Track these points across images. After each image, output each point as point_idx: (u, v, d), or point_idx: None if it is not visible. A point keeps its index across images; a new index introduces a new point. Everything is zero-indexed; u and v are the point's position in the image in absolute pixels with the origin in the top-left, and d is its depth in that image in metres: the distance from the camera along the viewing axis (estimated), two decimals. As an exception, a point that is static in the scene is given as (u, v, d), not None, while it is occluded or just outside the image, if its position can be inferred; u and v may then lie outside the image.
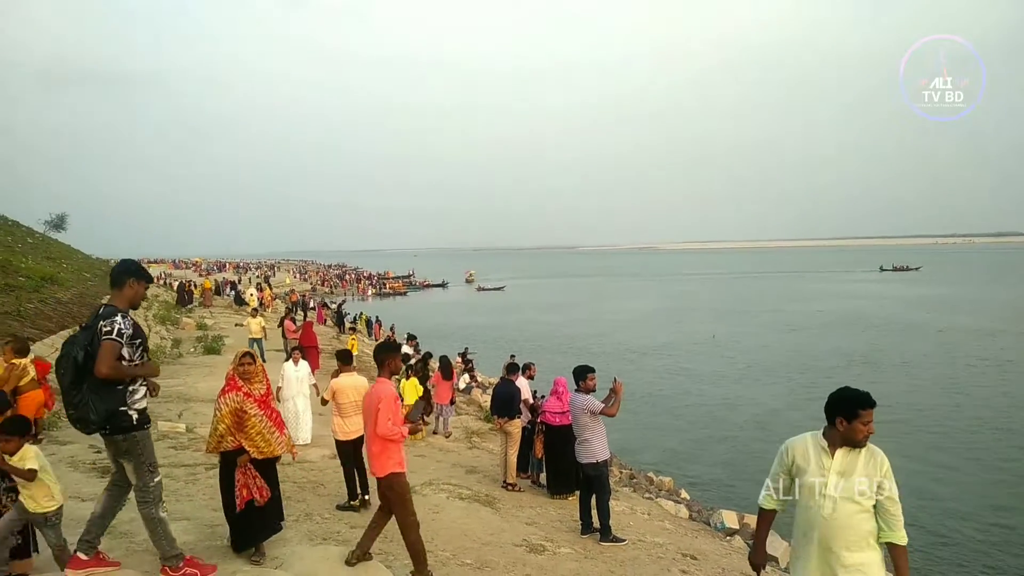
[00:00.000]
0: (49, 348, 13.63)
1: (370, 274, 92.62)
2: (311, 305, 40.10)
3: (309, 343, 17.79)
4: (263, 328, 19.82)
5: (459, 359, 23.95)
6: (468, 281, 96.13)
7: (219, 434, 5.09)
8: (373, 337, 34.47)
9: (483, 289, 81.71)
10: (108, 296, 4.28)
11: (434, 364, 14.33)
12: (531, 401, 10.62)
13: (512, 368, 11.00)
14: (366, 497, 7.50)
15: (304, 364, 10.95)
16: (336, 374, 8.12)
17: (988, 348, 31.46)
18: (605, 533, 7.71)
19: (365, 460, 7.83)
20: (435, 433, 13.41)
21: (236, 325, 20.60)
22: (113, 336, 3.93)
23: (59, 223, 52.16)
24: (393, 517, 5.21)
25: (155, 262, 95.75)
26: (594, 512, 7.87)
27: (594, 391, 7.92)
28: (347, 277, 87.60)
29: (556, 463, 9.63)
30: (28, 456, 4.29)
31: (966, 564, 11.06)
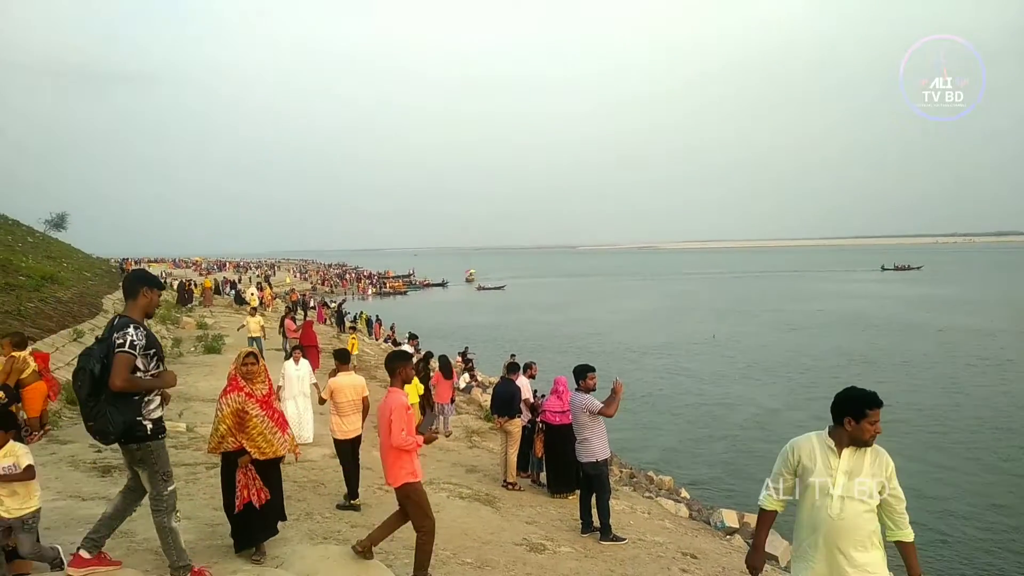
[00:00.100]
0: (50, 347, 13.64)
1: (370, 273, 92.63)
2: (311, 304, 40.10)
3: (309, 342, 17.79)
4: (262, 327, 19.82)
5: (459, 358, 23.96)
6: (468, 280, 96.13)
7: (220, 434, 5.09)
8: (373, 336, 34.47)
9: (483, 288, 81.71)
10: (114, 302, 4.29)
11: (434, 364, 14.34)
12: (531, 400, 10.62)
13: (513, 367, 10.99)
14: (353, 500, 7.50)
15: (305, 363, 10.94)
16: (334, 373, 8.12)
17: (988, 347, 31.45)
18: (605, 532, 7.71)
19: (362, 461, 7.87)
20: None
21: (239, 329, 20.52)
22: (126, 349, 3.94)
23: (59, 222, 52.15)
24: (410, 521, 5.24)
25: (155, 261, 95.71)
26: (594, 511, 7.87)
27: (594, 390, 7.91)
28: (347, 276, 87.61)
29: (556, 462, 9.64)
30: (18, 452, 4.27)
31: (965, 563, 11.06)
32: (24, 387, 5.81)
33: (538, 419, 10.04)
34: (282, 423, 5.41)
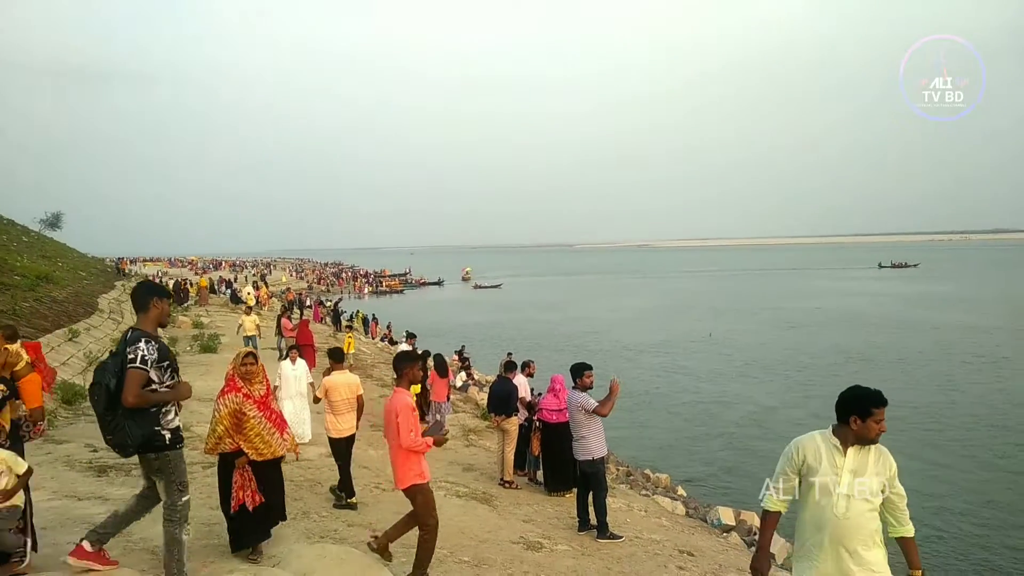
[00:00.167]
0: (45, 347, 13.59)
1: (367, 272, 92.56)
2: (307, 303, 40.07)
3: (305, 341, 17.76)
4: (257, 326, 19.79)
5: (456, 357, 23.95)
6: (464, 279, 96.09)
7: (218, 435, 5.07)
8: (369, 335, 34.45)
9: (480, 287, 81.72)
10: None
11: (430, 362, 14.32)
12: (528, 399, 10.62)
13: (510, 366, 10.99)
14: (350, 499, 7.52)
15: (301, 363, 10.93)
16: (328, 372, 8.13)
17: (984, 344, 31.55)
18: (602, 530, 7.72)
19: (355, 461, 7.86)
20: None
21: (238, 330, 20.40)
22: (137, 364, 3.94)
23: (54, 222, 51.99)
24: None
25: (151, 260, 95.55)
26: (591, 509, 7.88)
27: (591, 388, 7.92)
28: (343, 275, 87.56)
29: (553, 460, 9.65)
30: (8, 463, 4.21)
31: (960, 559, 11.09)
32: (19, 380, 5.79)
33: (535, 417, 10.04)
34: (280, 423, 5.39)
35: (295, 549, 5.37)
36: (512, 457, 10.08)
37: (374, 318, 37.73)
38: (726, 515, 10.64)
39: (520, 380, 10.66)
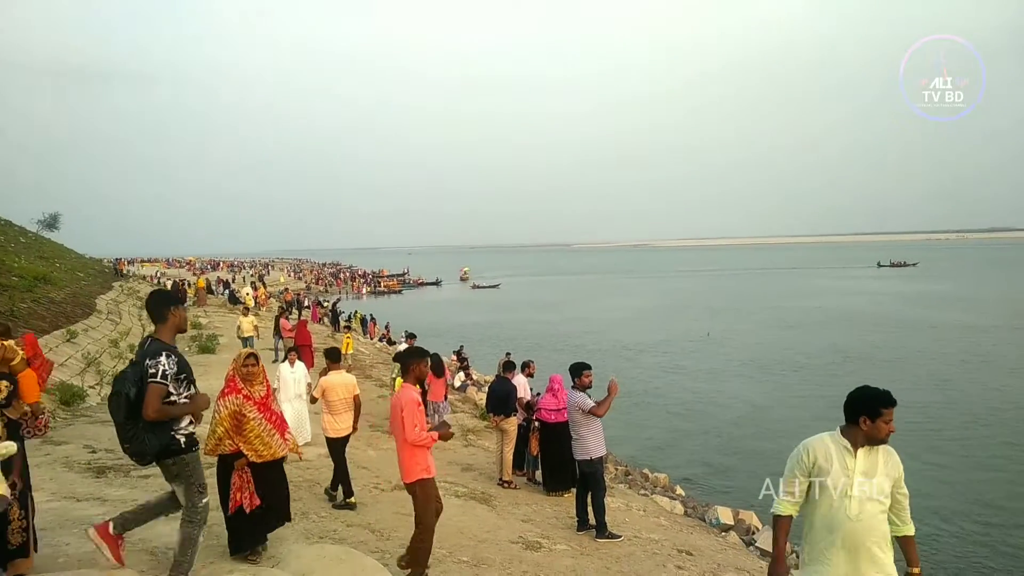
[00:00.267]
0: (43, 348, 13.59)
1: (365, 272, 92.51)
2: (306, 304, 40.07)
3: (303, 341, 17.78)
4: (255, 327, 19.79)
5: (455, 357, 23.96)
6: (463, 279, 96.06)
7: (217, 436, 5.07)
8: (368, 336, 34.44)
9: (478, 287, 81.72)
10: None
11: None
12: (527, 399, 10.63)
13: (509, 366, 11.00)
14: (349, 499, 7.54)
15: (300, 365, 10.95)
16: (324, 372, 8.14)
17: (982, 344, 31.63)
18: (601, 529, 7.73)
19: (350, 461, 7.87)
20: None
21: (238, 333, 20.30)
22: (158, 379, 3.99)
23: (52, 222, 51.94)
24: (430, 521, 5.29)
25: (148, 261, 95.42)
26: (590, 509, 7.89)
27: (590, 388, 7.93)
28: (342, 275, 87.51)
29: (551, 460, 9.65)
30: None
31: (958, 557, 11.11)
32: (16, 375, 5.77)
33: (533, 417, 10.05)
34: (281, 425, 5.39)
35: (294, 549, 5.37)
36: (511, 457, 10.09)
37: (372, 318, 37.72)
38: (724, 514, 10.67)
39: (520, 380, 10.67)
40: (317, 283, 76.28)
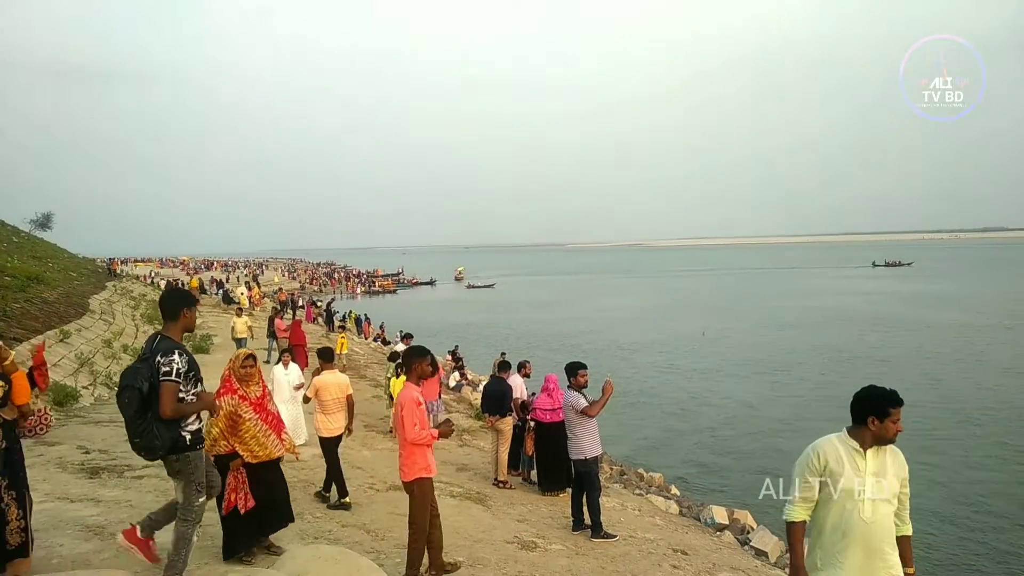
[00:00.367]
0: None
1: (359, 272, 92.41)
2: (300, 304, 40.01)
3: (297, 341, 17.74)
4: (249, 328, 19.72)
5: (449, 357, 23.95)
6: (457, 279, 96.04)
7: (212, 437, 5.06)
8: (362, 335, 34.40)
9: (472, 287, 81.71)
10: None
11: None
12: (523, 398, 10.62)
13: (504, 366, 10.99)
14: (343, 499, 7.54)
15: (294, 367, 10.94)
16: (317, 372, 8.13)
17: (976, 343, 31.76)
18: (596, 529, 7.73)
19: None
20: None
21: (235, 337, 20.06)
22: (172, 377, 4.04)
23: (44, 222, 51.79)
24: (438, 522, 5.35)
25: (142, 261, 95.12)
26: (585, 508, 7.89)
27: (586, 387, 7.92)
28: (336, 275, 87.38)
29: (547, 460, 9.66)
30: None
31: (948, 559, 11.14)
32: (9, 375, 5.75)
33: (528, 417, 10.05)
34: (277, 425, 5.38)
35: (290, 550, 5.36)
36: (506, 457, 10.08)
37: (367, 318, 37.69)
38: (719, 514, 10.69)
39: (516, 381, 10.66)
40: (311, 283, 76.19)
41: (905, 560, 3.52)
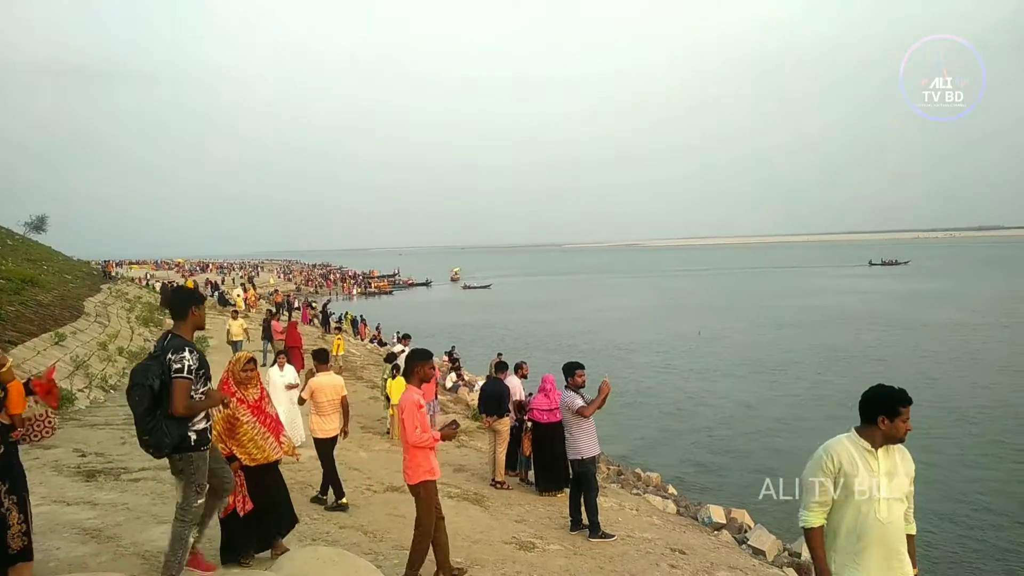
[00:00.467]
0: (31, 351, 13.50)
1: (355, 273, 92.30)
2: (296, 305, 39.94)
3: (293, 343, 17.73)
4: (245, 330, 19.67)
5: (446, 358, 23.93)
6: (453, 279, 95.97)
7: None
8: (358, 337, 34.36)
9: (469, 287, 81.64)
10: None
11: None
12: (520, 399, 10.62)
13: (501, 366, 10.98)
14: (341, 501, 7.53)
15: (289, 368, 10.92)
16: (311, 373, 8.14)
17: (971, 342, 31.79)
18: (594, 529, 7.73)
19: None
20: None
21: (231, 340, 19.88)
22: (184, 374, 4.08)
23: (39, 225, 51.63)
24: (444, 523, 5.36)
25: (137, 263, 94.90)
26: (583, 508, 7.89)
27: (583, 387, 7.93)
28: (332, 277, 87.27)
29: (544, 460, 9.66)
30: None
31: (946, 557, 11.16)
32: (6, 383, 5.73)
33: (526, 417, 10.05)
34: (275, 427, 5.37)
35: (288, 551, 5.35)
36: (504, 458, 10.08)
37: (363, 319, 37.66)
38: (717, 513, 10.70)
39: (514, 382, 10.66)
40: (307, 284, 76.08)
41: (912, 559, 3.51)
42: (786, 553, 9.70)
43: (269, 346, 19.44)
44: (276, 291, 48.29)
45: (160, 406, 4.06)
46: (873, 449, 3.41)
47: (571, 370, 7.93)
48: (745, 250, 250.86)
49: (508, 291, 77.82)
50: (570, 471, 8.17)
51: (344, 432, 7.86)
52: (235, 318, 20.00)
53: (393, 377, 12.76)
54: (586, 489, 7.79)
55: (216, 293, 43.37)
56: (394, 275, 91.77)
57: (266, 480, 5.24)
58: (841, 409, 19.39)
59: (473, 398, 17.68)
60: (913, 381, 23.44)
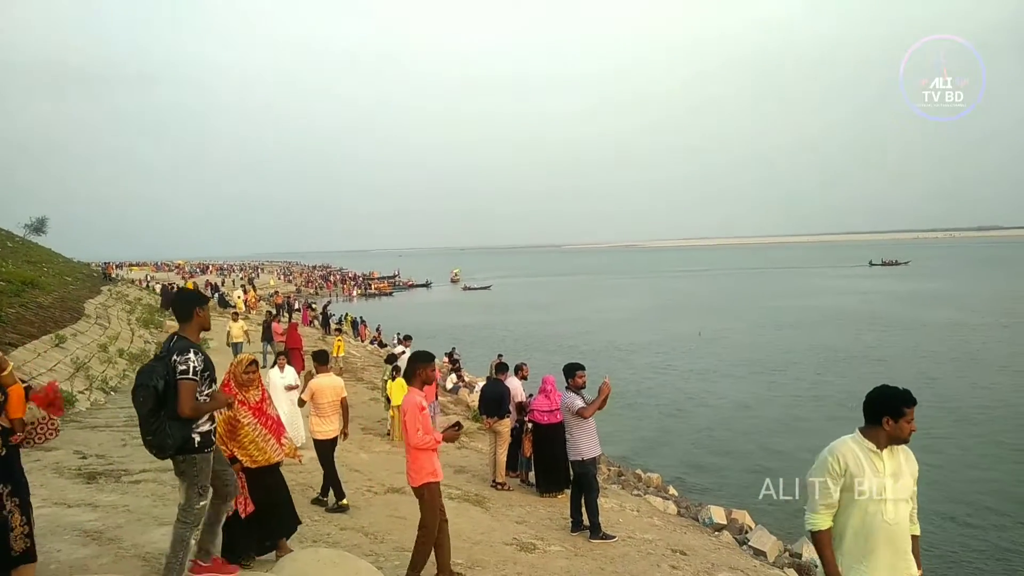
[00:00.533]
0: (31, 353, 13.49)
1: (355, 275, 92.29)
2: (296, 307, 39.96)
3: (294, 345, 17.73)
4: (245, 332, 19.66)
5: (446, 359, 23.93)
6: (453, 281, 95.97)
7: None
8: (359, 338, 34.37)
9: (469, 288, 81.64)
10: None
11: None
12: (521, 399, 10.62)
13: (501, 367, 10.98)
14: (341, 502, 7.53)
15: (290, 370, 10.91)
16: (310, 375, 8.15)
17: (971, 342, 31.80)
18: (595, 530, 7.73)
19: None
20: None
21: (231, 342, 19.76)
22: (190, 375, 4.09)
23: (39, 226, 51.62)
24: (447, 525, 5.37)
25: (137, 265, 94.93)
26: (584, 509, 7.89)
27: (584, 388, 7.94)
28: (332, 278, 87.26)
29: (544, 462, 9.66)
30: None
31: (946, 557, 11.15)
32: (7, 387, 5.73)
33: (526, 419, 10.05)
34: (277, 429, 5.37)
35: (291, 552, 5.35)
36: (504, 459, 10.08)
37: (363, 321, 37.66)
38: (717, 514, 10.69)
39: (514, 383, 10.66)
40: (307, 286, 76.09)
41: (918, 560, 3.49)
42: (787, 554, 9.69)
43: (269, 347, 19.43)
44: (276, 293, 48.29)
45: (164, 407, 4.07)
46: (878, 450, 3.40)
47: (572, 371, 7.94)
48: (745, 250, 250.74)
49: (508, 292, 77.81)
50: (571, 472, 8.17)
51: (344, 433, 7.87)
52: (235, 320, 19.99)
53: (393, 378, 12.76)
54: (587, 490, 7.79)
55: (216, 295, 43.35)
56: (394, 276, 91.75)
57: (267, 482, 5.25)
58: (841, 410, 19.39)
59: (473, 399, 17.67)
60: (913, 381, 23.41)
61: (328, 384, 7.81)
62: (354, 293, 74.47)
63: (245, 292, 39.22)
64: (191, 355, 4.12)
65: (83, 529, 5.68)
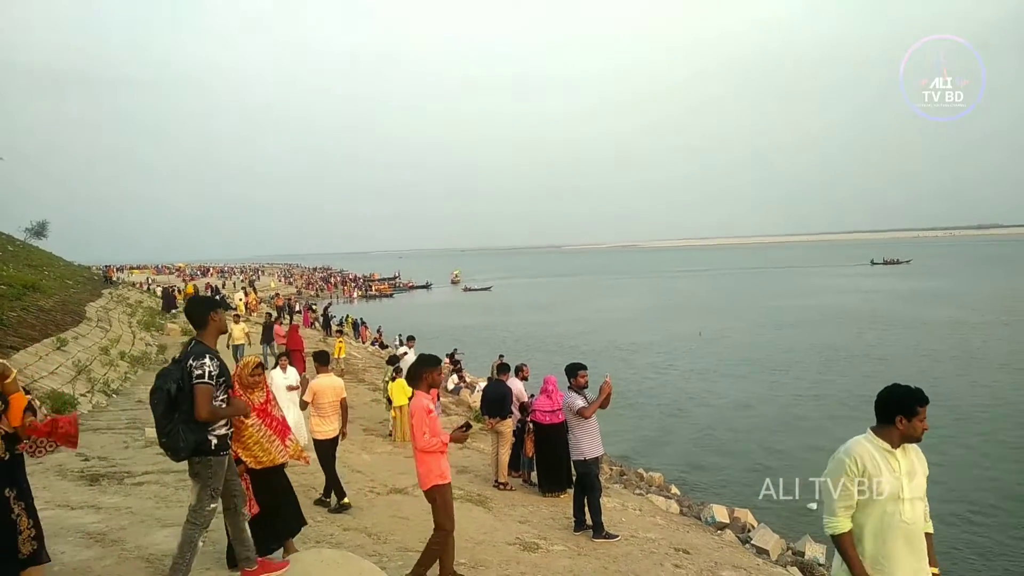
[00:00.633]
0: (33, 356, 13.50)
1: (356, 276, 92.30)
2: (297, 309, 39.97)
3: (295, 347, 17.73)
4: (247, 334, 19.67)
5: (447, 360, 23.94)
6: (454, 282, 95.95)
7: None
8: (360, 340, 34.38)
9: (469, 289, 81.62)
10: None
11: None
12: (524, 400, 10.63)
13: (502, 368, 10.98)
14: (343, 502, 7.55)
15: (292, 371, 10.92)
16: (306, 381, 8.18)
17: (972, 340, 31.75)
18: (597, 530, 7.74)
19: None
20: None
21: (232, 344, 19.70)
22: (205, 380, 4.15)
23: (40, 230, 51.66)
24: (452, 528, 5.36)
25: (138, 268, 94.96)
26: (587, 509, 7.90)
27: (586, 388, 7.94)
28: (332, 280, 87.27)
29: (546, 461, 9.67)
30: None
31: (944, 556, 11.14)
32: (9, 395, 5.73)
33: (528, 419, 10.06)
34: (282, 430, 5.37)
35: (296, 552, 5.36)
36: (507, 459, 10.09)
37: (363, 322, 37.66)
38: (720, 512, 10.69)
39: (515, 384, 10.67)
40: (308, 287, 76.10)
41: (930, 559, 3.48)
42: (790, 552, 9.69)
43: (269, 349, 19.44)
44: (277, 295, 48.30)
45: (177, 410, 4.12)
46: (892, 449, 3.40)
47: (573, 371, 7.95)
48: (745, 250, 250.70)
49: (508, 293, 77.80)
50: (573, 472, 8.18)
51: (343, 433, 7.90)
52: (236, 322, 20.00)
53: (394, 379, 12.76)
54: (589, 490, 7.80)
55: (217, 297, 43.36)
56: (395, 278, 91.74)
57: (272, 483, 5.25)
58: (843, 408, 19.39)
59: (474, 400, 17.67)
60: (914, 380, 23.16)
61: (329, 384, 7.85)
62: (355, 295, 74.45)
63: (246, 294, 39.23)
64: (207, 360, 4.18)
65: (86, 531, 5.69)
